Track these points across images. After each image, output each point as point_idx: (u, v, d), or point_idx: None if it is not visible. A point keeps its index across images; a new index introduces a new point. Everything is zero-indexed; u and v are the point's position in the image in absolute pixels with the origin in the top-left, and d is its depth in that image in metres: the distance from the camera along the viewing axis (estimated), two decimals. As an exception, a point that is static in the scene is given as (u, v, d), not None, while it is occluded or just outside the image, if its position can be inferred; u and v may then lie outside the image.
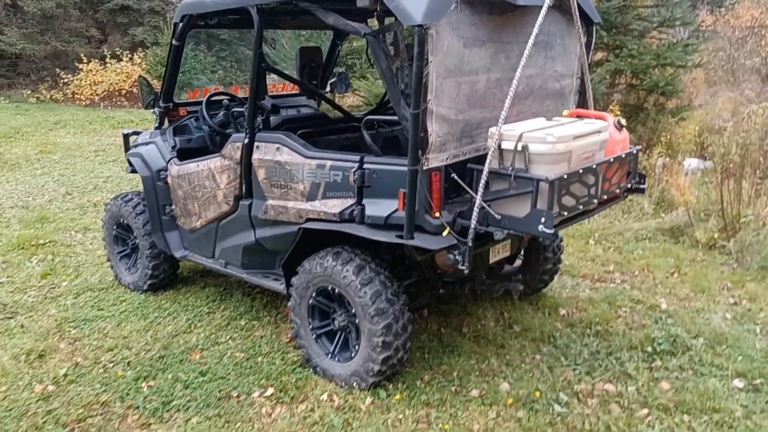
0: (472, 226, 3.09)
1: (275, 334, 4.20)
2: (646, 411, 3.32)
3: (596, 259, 5.51)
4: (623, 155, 3.50)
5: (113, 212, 5.00)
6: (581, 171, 3.14)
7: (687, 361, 3.81)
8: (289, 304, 3.77)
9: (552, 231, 2.96)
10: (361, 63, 9.98)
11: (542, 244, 4.36)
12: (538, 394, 3.41)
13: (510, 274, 4.38)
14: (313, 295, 3.62)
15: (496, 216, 3.12)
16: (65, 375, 3.79)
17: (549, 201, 2.99)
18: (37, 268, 5.55)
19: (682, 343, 3.97)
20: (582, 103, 4.11)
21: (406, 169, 3.12)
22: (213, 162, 4.12)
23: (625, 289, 4.86)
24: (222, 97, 4.88)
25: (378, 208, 3.28)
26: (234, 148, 3.94)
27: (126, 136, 5.09)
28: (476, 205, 3.07)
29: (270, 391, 3.54)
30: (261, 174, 3.77)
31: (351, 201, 3.39)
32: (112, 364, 3.93)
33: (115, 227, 5.07)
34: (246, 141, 3.83)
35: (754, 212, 5.78)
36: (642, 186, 3.72)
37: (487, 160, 3.06)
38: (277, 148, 3.68)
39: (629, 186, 3.65)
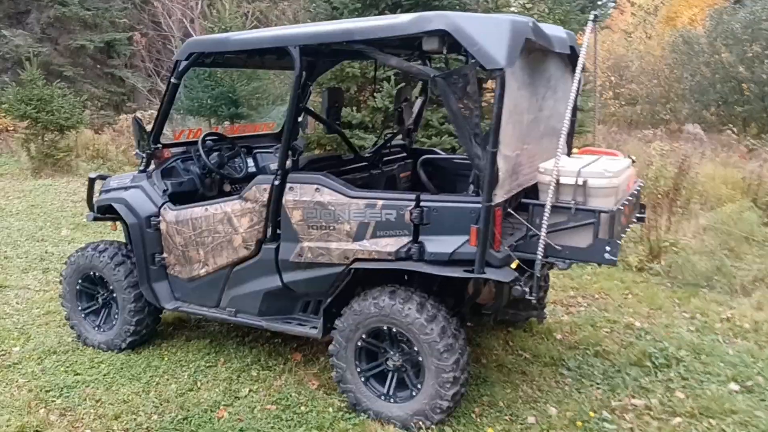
0: (539, 257, 3.27)
1: (297, 382, 4.03)
2: (678, 420, 3.66)
3: (554, 285, 5.92)
4: (638, 188, 3.89)
5: (80, 264, 4.52)
6: (625, 203, 3.46)
7: (684, 371, 4.23)
8: (331, 348, 3.67)
9: (616, 259, 3.22)
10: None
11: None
12: (592, 414, 3.62)
13: (529, 303, 4.56)
14: (363, 336, 3.56)
15: (556, 247, 3.32)
16: (83, 450, 3.36)
17: (610, 230, 3.26)
18: (-29, 334, 4.83)
19: (672, 355, 4.41)
20: (569, 142, 4.49)
21: (469, 206, 3.25)
22: (230, 205, 3.93)
23: (595, 311, 5.28)
24: (213, 138, 4.67)
25: (439, 244, 3.35)
26: (260, 190, 3.80)
27: (92, 180, 4.66)
28: (541, 237, 3.25)
29: (330, 440, 3.40)
30: (296, 216, 3.67)
31: (406, 239, 3.42)
32: (129, 433, 3.54)
33: (80, 281, 4.58)
34: (277, 182, 3.71)
35: (674, 238, 6.56)
36: (643, 215, 4.14)
37: (549, 195, 3.27)
38: (317, 189, 3.62)
39: (637, 216, 4.04)
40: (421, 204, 3.38)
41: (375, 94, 7.97)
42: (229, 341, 4.63)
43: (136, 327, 4.40)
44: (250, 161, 5.00)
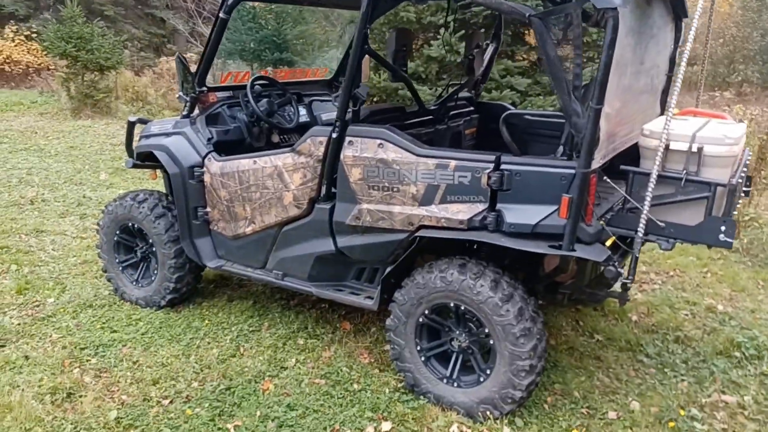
0: (639, 235, 2.82)
1: (347, 354, 3.69)
2: (777, 422, 3.23)
3: (622, 259, 5.44)
4: (749, 158, 3.37)
5: (118, 215, 4.21)
6: (742, 175, 2.96)
7: (778, 365, 3.77)
8: (389, 322, 3.30)
9: (732, 241, 2.75)
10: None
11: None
12: (682, 411, 3.21)
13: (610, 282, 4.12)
14: (426, 312, 3.18)
15: (659, 224, 2.86)
16: (118, 420, 3.08)
17: (726, 207, 2.78)
18: (5, 281, 4.59)
19: (764, 345, 3.94)
20: (663, 101, 3.96)
21: (561, 171, 2.80)
22: (281, 158, 3.53)
23: (671, 290, 4.81)
24: (262, 82, 4.25)
25: (521, 214, 2.91)
26: (315, 143, 3.38)
27: (132, 124, 4.30)
28: (644, 212, 2.79)
29: (387, 425, 3.06)
30: (355, 174, 3.26)
31: (481, 206, 2.99)
32: (168, 401, 3.26)
33: (117, 233, 4.27)
34: (335, 135, 3.29)
35: (755, 212, 5.99)
36: (748, 189, 3.62)
37: (656, 163, 2.79)
38: (380, 145, 3.19)
39: (744, 190, 3.53)
40: (502, 167, 2.93)
41: (431, 42, 7.42)
42: (273, 304, 4.30)
43: (176, 284, 4.10)
44: (301, 110, 4.57)
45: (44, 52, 14.00)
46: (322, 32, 10.92)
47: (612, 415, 3.19)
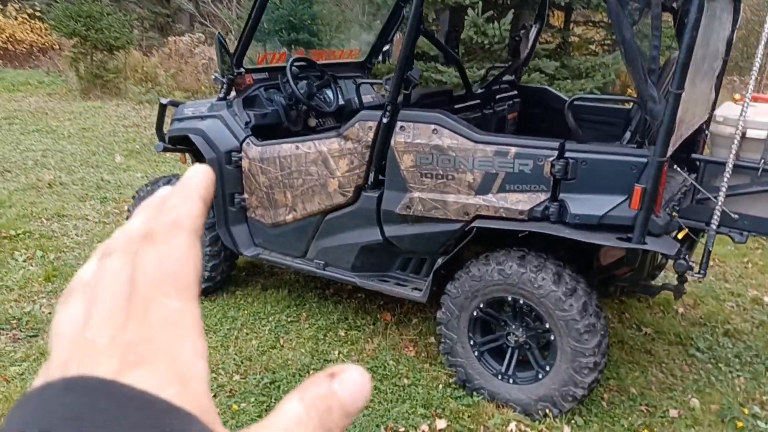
0: (713, 227, 2.69)
1: (391, 347, 3.58)
2: (842, 421, 3.12)
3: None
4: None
5: (150, 200, 4.07)
6: (819, 165, 2.82)
7: (834, 361, 3.66)
8: (440, 316, 3.19)
9: None
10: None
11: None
12: (745, 410, 3.10)
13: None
14: (481, 306, 3.06)
15: (733, 216, 2.73)
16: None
17: (807, 200, 2.65)
18: (32, 268, 4.47)
19: (816, 340, 3.83)
20: (717, 86, 3.81)
21: (631, 159, 2.67)
22: (326, 144, 3.39)
23: (714, 281, 4.69)
24: (300, 64, 4.09)
25: (586, 205, 2.78)
26: (364, 128, 3.24)
27: (163, 107, 4.15)
28: (718, 203, 2.66)
29: (442, 423, 2.96)
30: (407, 161, 3.12)
31: (543, 196, 2.86)
32: (212, 395, 3.14)
33: (149, 219, 4.14)
34: (385, 120, 3.15)
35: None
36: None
37: (732, 151, 2.65)
38: (434, 131, 3.05)
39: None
40: (567, 154, 2.80)
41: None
42: (309, 293, 4.18)
43: (211, 273, 3.98)
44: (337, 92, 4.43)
45: (51, 31, 13.78)
46: (339, 12, 10.68)
47: (673, 413, 3.08)
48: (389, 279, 3.51)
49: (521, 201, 2.90)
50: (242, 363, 3.43)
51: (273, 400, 3.11)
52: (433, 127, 3.06)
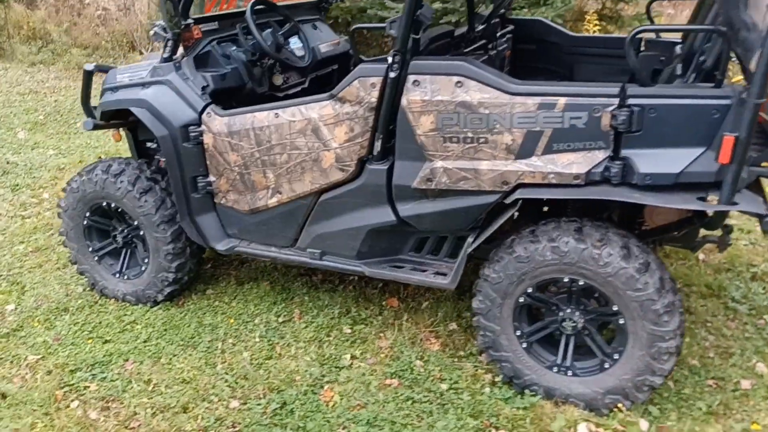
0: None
1: (410, 341, 3.06)
2: None
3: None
4: None
5: (86, 193, 3.29)
6: None
7: None
8: (477, 305, 2.68)
9: None
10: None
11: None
12: (821, 373, 2.80)
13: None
14: (529, 291, 2.57)
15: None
16: (158, 472, 2.36)
17: None
18: (-58, 287, 3.62)
19: None
20: None
21: (713, 102, 2.20)
22: (316, 109, 2.73)
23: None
24: (260, 7, 3.33)
25: (658, 161, 2.30)
26: (365, 86, 2.60)
27: (89, 74, 3.32)
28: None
29: (500, 434, 2.49)
30: (425, 124, 2.53)
31: (601, 154, 2.36)
32: (212, 435, 2.55)
33: (87, 215, 3.37)
34: (393, 74, 2.53)
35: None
36: None
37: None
38: (458, 83, 2.46)
39: None
40: (629, 101, 2.28)
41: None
42: (294, 284, 3.57)
43: (176, 274, 3.28)
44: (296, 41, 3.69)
45: None
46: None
47: (745, 384, 2.74)
48: (403, 264, 2.96)
49: (575, 162, 2.38)
50: (237, 384, 2.82)
51: (288, 431, 2.54)
52: (456, 79, 2.47)
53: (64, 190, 3.40)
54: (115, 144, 5.88)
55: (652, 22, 3.41)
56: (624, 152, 2.34)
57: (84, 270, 3.50)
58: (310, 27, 3.88)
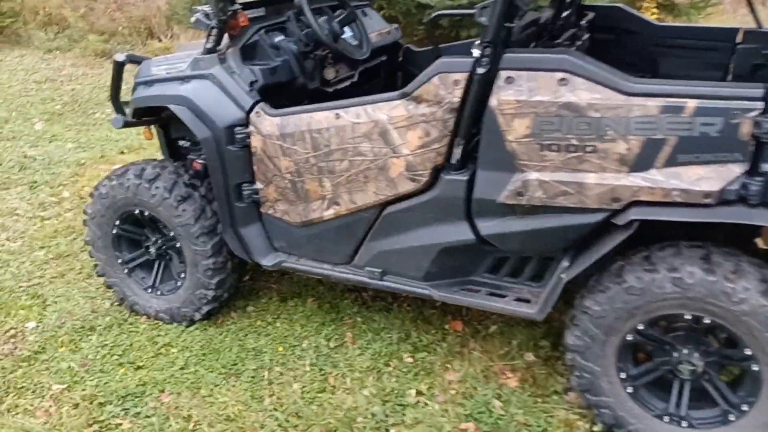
0: None
1: (484, 376, 2.68)
2: None
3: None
4: None
5: (117, 200, 2.93)
6: None
7: None
8: (572, 341, 2.30)
9: None
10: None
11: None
12: None
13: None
14: (640, 328, 2.18)
15: None
16: None
17: None
18: (-45, 299, 3.28)
19: None
20: None
21: None
22: (386, 109, 2.35)
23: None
24: None
25: (814, 177, 1.91)
26: (447, 83, 2.22)
27: (120, 65, 2.94)
28: None
29: (607, 497, 2.11)
30: (519, 128, 2.14)
31: (738, 168, 1.96)
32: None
33: (117, 223, 3.01)
34: (482, 70, 2.14)
35: None
36: None
37: None
38: (562, 81, 2.07)
39: None
40: None
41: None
42: (343, 301, 3.20)
43: (216, 291, 2.93)
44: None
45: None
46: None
47: None
48: (478, 287, 2.58)
49: (705, 178, 1.99)
50: (289, 423, 2.47)
51: (356, 487, 2.18)
52: (560, 75, 2.07)
53: (91, 195, 3.04)
54: (138, 137, 5.55)
55: (755, 14, 2.99)
56: (765, 167, 1.94)
57: (112, 283, 3.15)
58: (359, 14, 3.48)
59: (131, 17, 11.06)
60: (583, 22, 3.15)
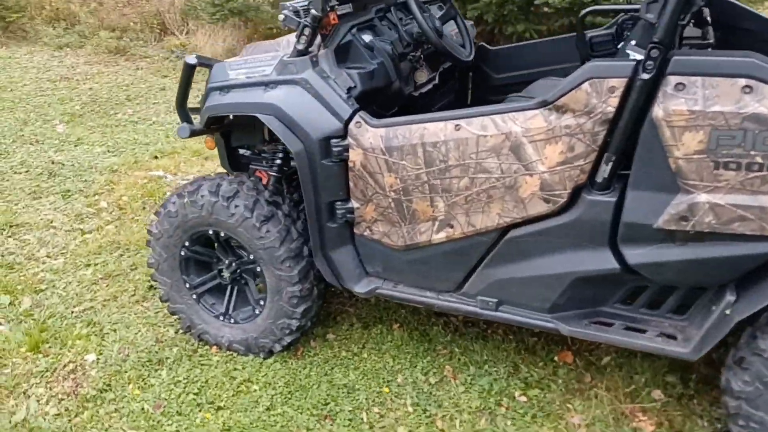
0: None
1: (614, 418, 2.39)
2: None
3: None
4: None
5: (188, 219, 2.61)
6: None
7: None
8: (737, 386, 2.00)
9: None
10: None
11: None
12: None
13: None
14: (824, 371, 1.89)
15: None
16: None
17: None
18: (1, 328, 2.96)
19: None
20: None
21: None
22: (520, 120, 2.04)
23: None
24: None
25: None
26: (600, 91, 1.91)
27: (191, 68, 2.61)
28: None
29: None
30: (689, 142, 1.84)
31: None
32: None
33: (187, 245, 2.70)
34: (647, 75, 1.83)
35: None
36: None
37: None
38: (746, 89, 1.77)
39: None
40: None
41: None
42: (433, 328, 2.90)
43: (300, 320, 2.62)
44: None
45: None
46: None
47: None
48: (608, 319, 2.28)
49: None
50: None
51: None
52: (743, 82, 1.77)
53: (157, 213, 2.72)
54: (169, 141, 5.25)
55: None
56: None
57: (177, 310, 2.84)
58: (435, 7, 3.18)
59: (143, 13, 10.72)
60: (708, 19, 2.84)
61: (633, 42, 2.02)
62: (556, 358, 2.68)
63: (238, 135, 2.87)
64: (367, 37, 2.54)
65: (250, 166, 2.91)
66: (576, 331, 2.25)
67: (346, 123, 2.31)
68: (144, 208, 4.18)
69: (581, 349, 2.73)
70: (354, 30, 2.51)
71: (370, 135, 2.28)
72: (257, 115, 2.38)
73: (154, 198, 4.28)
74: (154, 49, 9.48)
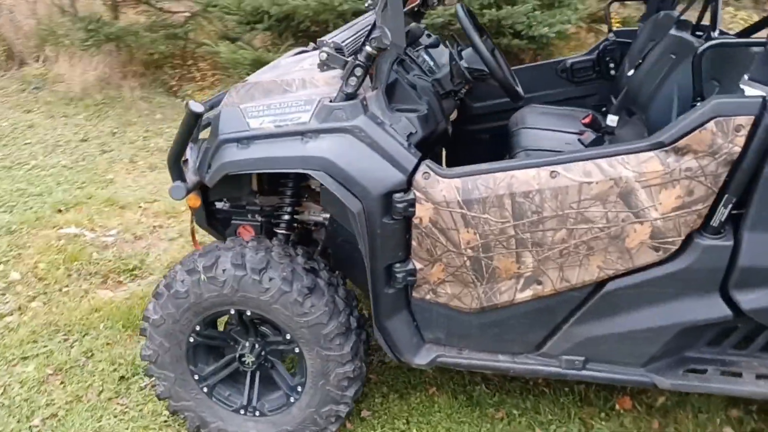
0: None
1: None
2: None
3: None
4: None
5: (202, 298, 2.12)
6: None
7: None
8: None
9: None
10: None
11: None
12: None
13: None
14: None
15: None
16: None
17: None
18: None
19: None
20: None
21: None
22: (632, 164, 1.84)
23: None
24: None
25: None
26: (726, 130, 1.76)
27: (196, 117, 2.12)
28: None
29: None
30: (819, 181, 1.74)
31: None
32: None
33: (197, 330, 2.20)
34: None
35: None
36: None
37: None
38: None
39: None
40: None
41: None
42: (475, 387, 2.62)
43: (350, 405, 2.22)
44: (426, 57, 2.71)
45: None
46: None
47: None
48: (698, 365, 2.14)
49: None
50: None
51: None
52: None
53: (155, 295, 2.20)
54: (59, 187, 4.54)
55: None
56: None
57: (182, 408, 2.31)
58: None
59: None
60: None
61: (746, 77, 1.91)
62: (616, 406, 2.51)
63: (219, 188, 2.41)
64: (408, 73, 2.22)
65: (232, 221, 2.49)
66: (678, 384, 2.09)
67: (411, 174, 1.98)
68: (70, 275, 3.50)
69: (633, 391, 2.59)
70: (397, 66, 2.18)
71: (442, 187, 1.97)
72: (308, 172, 1.97)
73: (80, 262, 3.60)
74: (7, 80, 8.30)
